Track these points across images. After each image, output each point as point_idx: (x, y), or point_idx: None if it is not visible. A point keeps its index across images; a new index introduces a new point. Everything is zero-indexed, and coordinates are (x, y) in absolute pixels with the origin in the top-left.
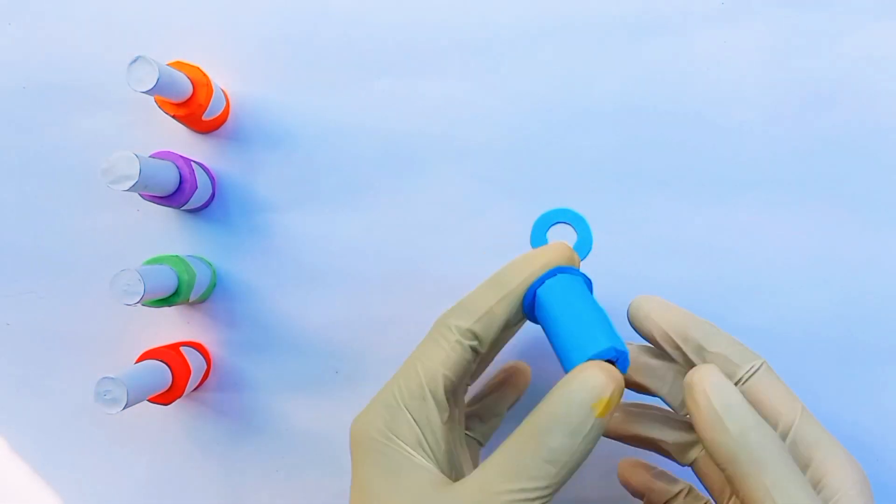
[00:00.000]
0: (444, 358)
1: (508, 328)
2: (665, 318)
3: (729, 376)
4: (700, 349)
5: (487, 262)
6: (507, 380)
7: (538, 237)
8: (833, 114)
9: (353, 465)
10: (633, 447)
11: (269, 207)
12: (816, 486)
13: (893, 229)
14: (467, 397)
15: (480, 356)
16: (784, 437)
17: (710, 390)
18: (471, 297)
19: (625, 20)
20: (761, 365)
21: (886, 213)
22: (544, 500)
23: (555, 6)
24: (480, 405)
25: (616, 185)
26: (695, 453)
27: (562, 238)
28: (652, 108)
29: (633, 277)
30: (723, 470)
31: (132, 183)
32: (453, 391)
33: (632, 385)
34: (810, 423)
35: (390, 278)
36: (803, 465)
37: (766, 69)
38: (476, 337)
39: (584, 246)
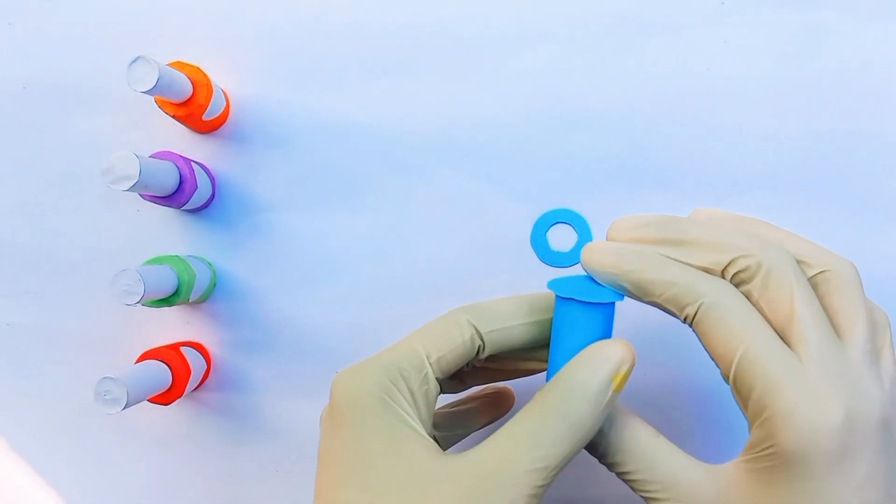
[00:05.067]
0: (451, 346)
1: (514, 351)
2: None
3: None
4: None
5: (487, 262)
6: (490, 398)
7: (538, 237)
8: (833, 114)
9: (339, 423)
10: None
11: (269, 207)
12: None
13: (894, 229)
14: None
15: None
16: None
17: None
18: (493, 303)
19: (625, 20)
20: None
21: (887, 213)
22: (560, 469)
23: (555, 6)
24: (451, 412)
25: (616, 185)
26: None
27: (561, 238)
28: (652, 108)
29: None
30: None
31: (132, 183)
32: (444, 381)
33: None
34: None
35: (390, 278)
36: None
37: (766, 69)
38: (483, 343)
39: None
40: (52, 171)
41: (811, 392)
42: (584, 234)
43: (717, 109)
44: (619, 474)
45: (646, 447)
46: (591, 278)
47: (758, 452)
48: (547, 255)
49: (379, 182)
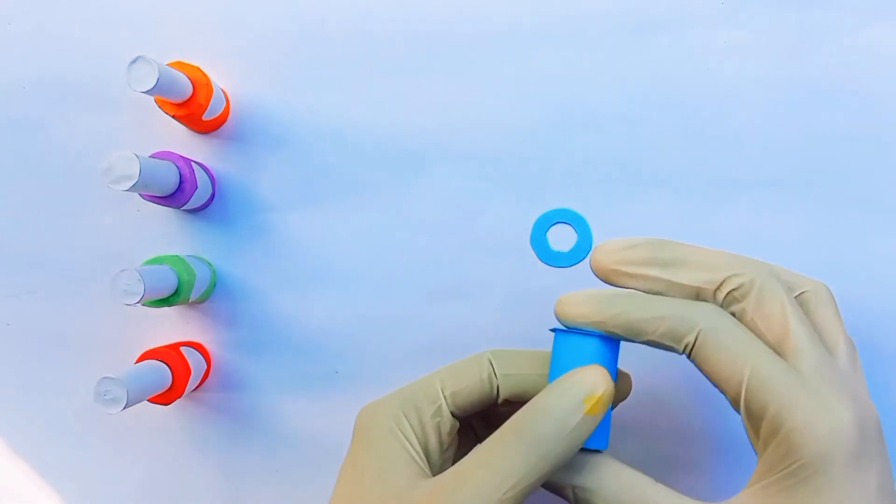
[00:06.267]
0: (467, 382)
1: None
2: (585, 311)
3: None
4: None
5: (487, 262)
6: None
7: (538, 237)
8: (833, 113)
9: (353, 445)
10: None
11: (269, 207)
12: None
13: (894, 229)
14: None
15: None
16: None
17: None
18: (521, 353)
19: (625, 20)
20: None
21: (887, 213)
22: (529, 492)
23: (555, 6)
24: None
25: (616, 185)
26: (689, 338)
27: (562, 238)
28: (652, 108)
29: None
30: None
31: (132, 183)
32: (464, 415)
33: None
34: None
35: (390, 278)
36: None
37: (766, 69)
38: (496, 379)
39: (584, 246)
40: (52, 171)
41: (823, 402)
42: (585, 234)
43: (718, 109)
44: None
45: (649, 498)
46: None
47: (778, 473)
48: (547, 255)
49: (378, 182)
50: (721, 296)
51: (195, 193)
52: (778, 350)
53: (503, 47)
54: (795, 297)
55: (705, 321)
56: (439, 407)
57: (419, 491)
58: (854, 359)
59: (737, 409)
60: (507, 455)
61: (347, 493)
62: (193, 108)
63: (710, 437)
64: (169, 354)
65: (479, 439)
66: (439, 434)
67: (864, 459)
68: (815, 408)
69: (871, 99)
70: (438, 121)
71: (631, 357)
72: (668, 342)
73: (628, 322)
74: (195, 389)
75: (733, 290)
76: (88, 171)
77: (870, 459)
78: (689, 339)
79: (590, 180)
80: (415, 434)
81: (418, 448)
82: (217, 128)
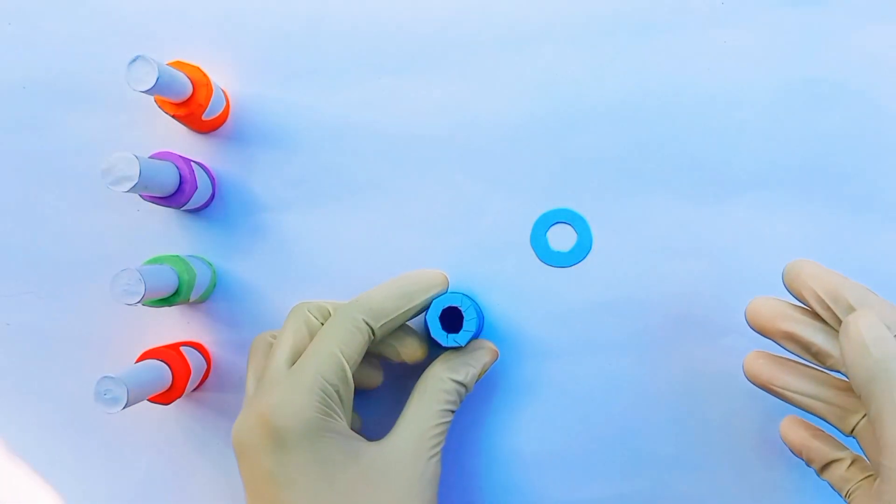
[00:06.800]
0: (358, 347)
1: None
2: (818, 279)
3: None
4: (851, 309)
5: (487, 262)
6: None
7: (538, 237)
8: (833, 114)
9: (287, 448)
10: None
11: (270, 207)
12: None
13: (894, 229)
14: None
15: None
16: None
17: (861, 324)
18: (379, 299)
19: (625, 20)
20: None
21: (887, 213)
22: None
23: (555, 6)
24: None
25: (616, 185)
26: (855, 419)
27: (562, 238)
28: (652, 108)
29: (633, 277)
30: (859, 393)
31: (132, 184)
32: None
33: (784, 336)
34: None
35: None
36: None
37: (766, 69)
38: (374, 336)
39: (584, 246)
40: (52, 171)
41: None
42: (584, 234)
43: (717, 109)
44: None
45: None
46: (458, 303)
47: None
48: (547, 255)
49: (379, 182)
50: None
51: (195, 193)
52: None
53: (503, 47)
54: None
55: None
56: (347, 377)
57: (382, 458)
58: None
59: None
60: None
61: (315, 495)
62: (193, 108)
63: (711, 438)
64: (169, 354)
65: None
66: (349, 398)
67: None
68: None
69: (870, 99)
70: (438, 120)
71: (631, 357)
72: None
73: (847, 305)
74: (195, 389)
75: None
76: (88, 171)
77: None
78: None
79: (590, 180)
80: (340, 410)
81: (346, 420)
82: (217, 128)
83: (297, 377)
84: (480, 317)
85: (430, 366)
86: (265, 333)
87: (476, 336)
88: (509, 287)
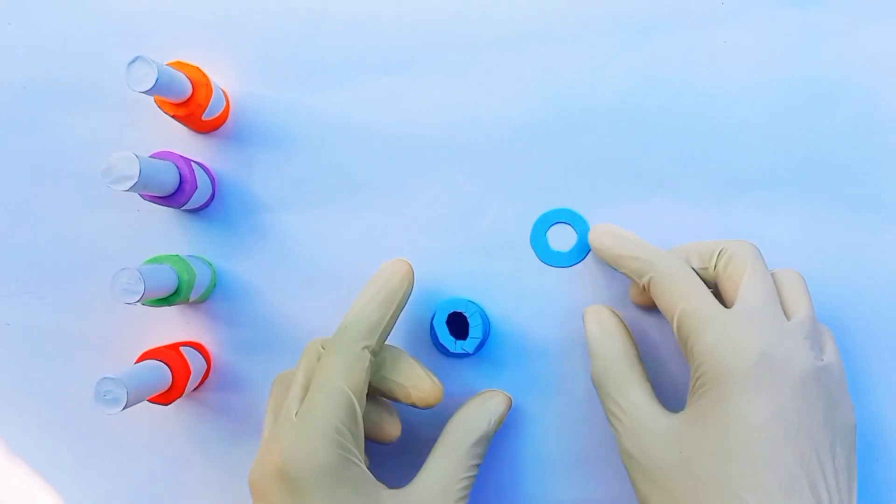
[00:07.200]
0: (362, 375)
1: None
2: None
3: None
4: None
5: (487, 263)
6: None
7: (538, 237)
8: (833, 114)
9: (304, 493)
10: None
11: (269, 207)
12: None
13: (894, 229)
14: None
15: None
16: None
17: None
18: (363, 316)
19: (625, 20)
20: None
21: (887, 213)
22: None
23: (555, 6)
24: None
25: (616, 185)
26: (646, 278)
27: (562, 238)
28: (652, 108)
29: None
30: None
31: (132, 183)
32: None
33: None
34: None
35: None
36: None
37: (767, 69)
38: (375, 353)
39: (584, 246)
40: (52, 171)
41: (733, 331)
42: (584, 235)
43: (718, 109)
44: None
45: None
46: (464, 310)
47: (693, 386)
48: (547, 255)
49: (379, 182)
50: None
51: (195, 193)
52: (730, 299)
53: (503, 47)
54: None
55: (663, 266)
56: (357, 414)
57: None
58: (822, 336)
59: (677, 338)
60: (457, 472)
61: None
62: (193, 108)
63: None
64: (169, 354)
65: None
66: (361, 433)
67: (765, 387)
68: (723, 333)
69: (870, 99)
70: (438, 120)
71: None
72: (634, 277)
73: (612, 255)
74: (195, 389)
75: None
76: (88, 171)
77: (772, 390)
78: (646, 279)
79: (589, 180)
80: (355, 447)
81: (362, 458)
82: (217, 128)
83: (306, 421)
84: (486, 323)
85: (453, 417)
86: (286, 371)
87: (483, 342)
88: (509, 287)
